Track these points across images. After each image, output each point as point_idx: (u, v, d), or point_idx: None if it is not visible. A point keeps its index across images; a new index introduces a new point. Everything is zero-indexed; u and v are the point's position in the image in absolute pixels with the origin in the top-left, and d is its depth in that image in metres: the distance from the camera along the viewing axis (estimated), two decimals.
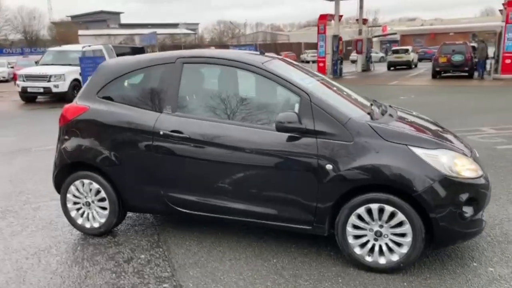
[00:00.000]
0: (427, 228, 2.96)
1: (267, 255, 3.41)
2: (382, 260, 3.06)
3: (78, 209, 3.86)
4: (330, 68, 22.89)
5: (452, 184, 2.90)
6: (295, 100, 3.25)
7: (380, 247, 3.06)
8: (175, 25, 79.64)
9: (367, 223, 3.05)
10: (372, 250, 3.08)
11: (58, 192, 3.97)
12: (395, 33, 43.60)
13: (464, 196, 2.93)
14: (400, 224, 2.97)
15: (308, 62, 46.88)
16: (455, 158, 3.00)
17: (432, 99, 13.17)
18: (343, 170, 3.00)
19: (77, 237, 3.86)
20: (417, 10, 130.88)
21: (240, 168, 3.30)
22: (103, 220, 3.78)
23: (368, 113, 3.31)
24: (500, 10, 24.79)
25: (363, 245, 3.10)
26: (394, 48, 31.52)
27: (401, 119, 3.50)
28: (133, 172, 3.59)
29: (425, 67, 29.07)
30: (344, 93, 3.80)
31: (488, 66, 20.08)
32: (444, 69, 20.46)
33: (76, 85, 14.79)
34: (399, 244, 3.01)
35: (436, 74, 20.69)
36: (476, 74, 20.01)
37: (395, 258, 3.03)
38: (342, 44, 25.02)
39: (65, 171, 3.84)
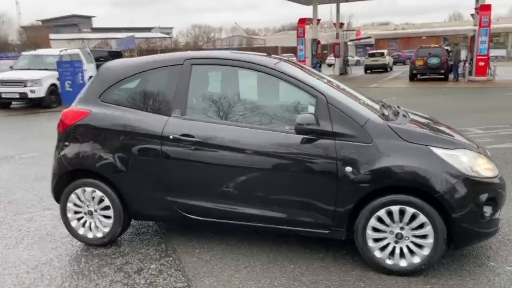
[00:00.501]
0: (448, 229, 2.94)
1: (283, 261, 3.32)
2: (403, 263, 3.02)
3: (79, 219, 3.67)
4: None
5: (473, 184, 2.89)
6: (310, 101, 3.18)
7: (401, 249, 3.02)
8: (149, 29, 78.66)
9: (387, 225, 3.01)
10: (392, 253, 3.04)
11: (57, 201, 3.77)
12: (369, 37, 44.41)
13: (484, 196, 2.92)
14: (421, 225, 2.94)
15: None
16: (475, 157, 3.00)
17: (414, 101, 13.38)
18: (363, 172, 2.95)
19: (78, 248, 3.67)
20: (388, 15, 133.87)
21: (255, 172, 3.20)
22: (107, 230, 3.61)
23: (382, 114, 3.28)
24: (472, 15, 25.60)
25: (383, 248, 3.05)
26: (370, 51, 32.06)
27: (414, 120, 3.48)
28: (141, 178, 3.43)
29: (401, 70, 29.70)
30: (353, 94, 3.76)
31: (460, 69, 20.66)
32: (421, 72, 20.91)
33: (53, 90, 14.33)
34: (420, 246, 2.98)
35: (413, 77, 21.13)
36: (451, 76, 20.54)
37: (416, 260, 2.99)
38: (320, 47, 25.24)
39: (66, 179, 3.65)
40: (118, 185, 3.48)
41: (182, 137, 3.27)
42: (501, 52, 38.05)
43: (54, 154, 3.76)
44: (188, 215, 3.41)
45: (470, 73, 20.04)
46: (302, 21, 22.69)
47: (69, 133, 3.61)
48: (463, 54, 21.47)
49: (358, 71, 30.21)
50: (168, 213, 3.48)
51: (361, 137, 2.99)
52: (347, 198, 3.01)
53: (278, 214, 3.20)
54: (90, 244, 3.68)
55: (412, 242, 2.99)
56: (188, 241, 3.69)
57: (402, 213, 2.95)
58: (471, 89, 16.58)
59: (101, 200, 3.57)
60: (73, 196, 3.62)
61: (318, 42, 24.41)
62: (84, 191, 3.59)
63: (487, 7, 19.05)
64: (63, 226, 4.03)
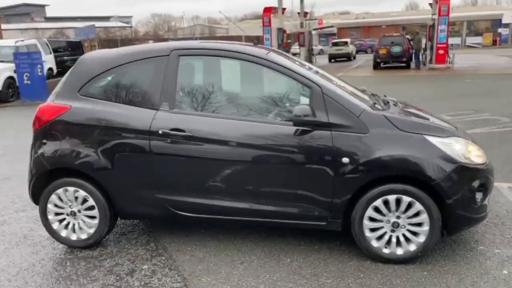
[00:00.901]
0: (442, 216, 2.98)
1: (279, 254, 3.28)
2: (399, 251, 3.05)
3: (61, 221, 3.47)
4: None
5: (466, 171, 2.95)
6: (304, 92, 3.13)
7: (397, 238, 3.05)
8: (107, 18, 76.00)
9: (383, 215, 3.02)
10: (388, 241, 3.06)
11: (36, 203, 3.55)
12: (332, 26, 44.90)
13: (476, 183, 2.99)
14: (417, 214, 2.97)
15: None
16: (467, 145, 3.05)
17: (381, 90, 13.59)
18: (360, 162, 2.93)
19: (61, 251, 3.47)
20: (348, 4, 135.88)
21: (249, 165, 3.12)
22: (92, 231, 3.43)
23: (374, 104, 3.28)
24: (430, 4, 26.36)
25: (379, 238, 3.07)
26: (333, 41, 32.41)
27: (406, 109, 3.51)
28: (128, 175, 3.28)
29: (363, 59, 30.24)
30: (342, 85, 3.73)
31: (421, 57, 21.28)
32: (384, 60, 21.37)
33: (10, 83, 13.57)
34: (416, 234, 3.01)
35: (377, 65, 21.56)
36: (413, 64, 21.11)
37: (412, 248, 3.03)
38: (285, 37, 25.23)
39: (44, 179, 3.43)
40: (103, 183, 3.31)
41: (172, 132, 3.14)
42: (456, 40, 39.55)
43: (30, 153, 3.52)
44: (179, 212, 3.30)
45: (430, 61, 20.69)
46: (268, 10, 22.54)
47: (47, 130, 3.38)
48: (423, 43, 22.12)
49: (323, 60, 30.49)
50: (158, 211, 3.35)
51: (357, 128, 2.97)
52: (344, 189, 3.00)
53: (274, 208, 3.15)
54: (74, 247, 3.49)
55: (408, 230, 3.02)
56: (178, 239, 3.58)
57: (398, 202, 2.97)
58: (433, 77, 17.11)
59: (85, 200, 3.39)
60: (53, 196, 3.42)
61: (284, 31, 24.37)
62: (66, 191, 3.39)
63: None
64: (42, 229, 3.83)
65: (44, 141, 3.39)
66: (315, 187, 3.05)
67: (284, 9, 25.18)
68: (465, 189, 2.95)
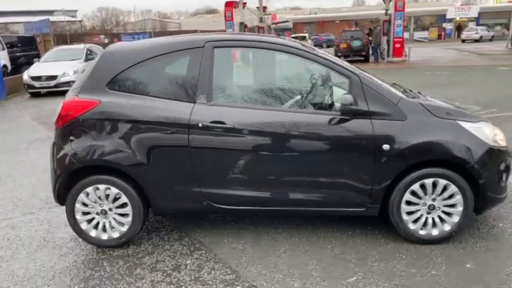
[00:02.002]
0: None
1: (317, 242, 3.35)
2: (434, 232, 3.21)
3: (89, 220, 3.34)
4: None
5: (495, 153, 3.15)
6: (341, 81, 3.20)
7: (433, 219, 3.21)
8: (50, 12, 72.26)
9: (420, 198, 3.17)
10: (424, 223, 3.22)
11: (61, 203, 3.40)
12: (287, 21, 45.47)
13: (502, 164, 3.21)
14: (452, 195, 3.14)
15: None
16: (493, 129, 3.27)
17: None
18: (400, 149, 3.06)
19: (92, 251, 3.35)
20: (300, 0, 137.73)
21: (290, 155, 3.16)
22: (124, 229, 3.33)
23: (404, 91, 3.41)
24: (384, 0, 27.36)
25: (416, 220, 3.22)
26: (292, 35, 32.85)
27: (429, 98, 3.67)
28: (165, 170, 3.21)
29: None
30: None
31: (378, 51, 22.09)
32: (344, 54, 21.93)
33: None
34: (450, 214, 3.19)
35: None
36: (372, 58, 21.88)
37: (447, 228, 3.20)
38: (247, 31, 25.25)
39: (73, 178, 3.28)
40: (138, 179, 3.23)
41: (213, 124, 3.11)
42: (405, 35, 41.33)
43: (52, 152, 3.36)
44: (217, 205, 3.28)
45: (388, 55, 21.53)
46: (230, 4, 22.46)
47: (74, 126, 3.23)
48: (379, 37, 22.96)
49: None
50: (195, 205, 3.31)
51: (396, 115, 3.09)
52: (384, 175, 3.11)
53: (317, 196, 3.21)
54: (104, 246, 3.38)
55: (443, 211, 3.19)
56: (210, 233, 3.56)
57: (434, 185, 3.13)
58: (393, 69, 17.83)
59: (116, 198, 3.29)
60: (82, 195, 3.28)
61: (246, 26, 24.38)
62: (97, 189, 3.26)
63: None
64: (60, 230, 3.71)
65: (72, 138, 3.24)
66: (356, 174, 3.14)
67: (244, 3, 25.15)
68: (494, 171, 3.16)
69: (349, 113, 3.03)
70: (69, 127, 3.25)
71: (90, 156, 3.20)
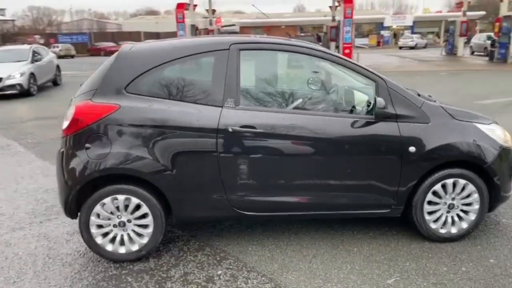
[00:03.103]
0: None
1: (341, 245, 3.36)
2: (453, 230, 3.35)
3: (105, 234, 3.11)
4: None
5: (505, 152, 3.35)
6: (367, 85, 3.24)
7: (452, 218, 3.34)
8: None
9: (440, 198, 3.29)
10: (444, 222, 3.34)
11: (71, 217, 3.15)
12: (234, 25, 45.49)
13: (510, 163, 3.42)
14: (469, 194, 3.29)
15: None
16: (504, 130, 3.47)
17: None
18: (425, 151, 3.16)
19: (108, 267, 3.11)
20: (241, 4, 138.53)
21: (319, 159, 3.15)
22: (144, 241, 3.14)
23: (418, 95, 3.53)
24: (330, 7, 28.35)
25: (437, 220, 3.33)
26: None
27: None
28: (191, 177, 3.07)
29: None
30: None
31: None
32: None
33: None
34: (467, 213, 3.34)
35: None
36: None
37: (464, 226, 3.35)
38: (199, 33, 24.97)
39: (88, 189, 3.04)
40: (163, 188, 3.05)
41: (243, 129, 3.02)
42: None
43: (60, 162, 3.09)
44: (244, 212, 3.19)
45: None
46: (181, 6, 22.03)
47: (91, 132, 2.99)
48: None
49: None
50: (220, 213, 3.20)
51: (420, 118, 3.19)
52: (410, 176, 3.20)
53: (346, 200, 3.22)
54: (122, 261, 3.16)
55: (461, 210, 3.33)
56: (230, 240, 3.45)
57: (454, 185, 3.26)
58: None
59: (136, 208, 3.09)
60: (98, 207, 3.05)
61: (196, 28, 24.10)
62: (115, 199, 3.05)
63: (350, 0, 21.31)
64: (62, 246, 3.48)
65: (88, 145, 2.99)
66: (384, 176, 3.20)
67: (195, 5, 24.88)
68: (505, 169, 3.36)
69: (382, 116, 3.08)
70: (84, 133, 3.00)
71: (110, 165, 2.98)
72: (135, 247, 3.14)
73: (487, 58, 24.32)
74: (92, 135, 2.99)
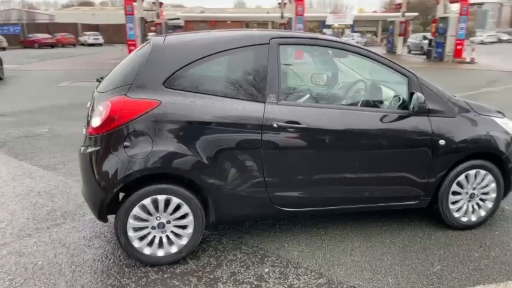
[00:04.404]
0: None
1: (373, 236, 3.44)
2: (473, 218, 3.56)
3: (142, 237, 2.94)
4: None
5: None
6: (400, 81, 3.33)
7: (472, 206, 3.55)
8: None
9: (463, 188, 3.48)
10: (465, 211, 3.54)
11: (104, 220, 2.94)
12: (179, 18, 44.49)
13: None
14: (488, 184, 3.51)
15: (93, 45, 43.26)
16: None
17: None
18: (453, 143, 3.32)
19: (146, 272, 2.94)
20: None
21: (357, 153, 3.20)
22: (183, 242, 3.01)
23: None
24: (279, 3, 28.76)
25: (459, 209, 3.52)
26: None
27: None
28: (235, 174, 2.98)
29: None
30: None
31: None
32: None
33: None
34: (484, 201, 3.56)
35: None
36: None
37: (483, 213, 3.57)
38: (147, 26, 24.16)
39: (126, 190, 2.85)
40: (206, 186, 2.94)
41: (288, 124, 2.99)
42: None
43: (91, 162, 2.87)
44: (283, 209, 3.17)
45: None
46: None
47: (129, 130, 2.80)
48: None
49: None
50: (261, 210, 3.16)
51: (448, 112, 3.34)
52: (439, 168, 3.35)
53: (378, 193, 3.30)
54: (160, 264, 3.00)
55: (480, 199, 3.55)
56: (263, 238, 3.41)
57: (475, 176, 3.47)
58: None
59: (176, 208, 2.95)
60: (137, 209, 2.87)
61: (145, 21, 23.28)
62: (155, 200, 2.89)
63: None
64: (84, 252, 3.24)
65: (127, 143, 2.80)
66: (416, 169, 3.32)
67: None
68: None
69: (422, 110, 3.18)
70: (121, 131, 2.80)
71: (152, 163, 2.81)
72: (174, 249, 3.00)
73: (424, 57, 25.99)
74: (131, 132, 2.81)
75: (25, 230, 3.56)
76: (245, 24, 45.85)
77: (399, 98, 3.33)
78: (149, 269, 2.98)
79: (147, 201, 2.87)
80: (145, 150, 2.81)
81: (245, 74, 3.07)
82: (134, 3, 21.35)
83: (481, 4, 78.44)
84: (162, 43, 3.03)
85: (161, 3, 28.88)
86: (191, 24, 46.01)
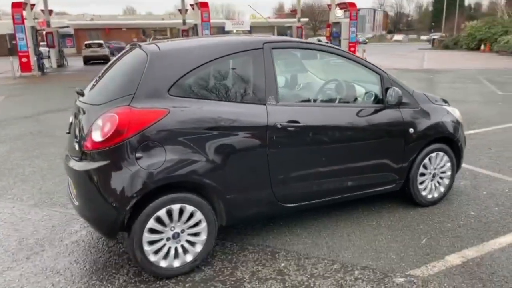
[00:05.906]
0: None
1: (361, 221, 3.75)
2: (436, 194, 4.07)
3: (157, 251, 2.86)
4: (35, 64, 20.03)
5: (461, 127, 4.21)
6: (374, 79, 3.68)
7: (434, 185, 4.06)
8: None
9: (427, 169, 3.97)
10: (430, 189, 4.04)
11: (113, 238, 2.80)
12: (68, 26, 41.50)
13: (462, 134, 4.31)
14: (445, 164, 4.06)
15: None
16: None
17: None
18: (420, 131, 3.78)
19: (164, 285, 2.86)
20: (62, 5, 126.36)
21: (349, 146, 3.48)
22: (198, 249, 2.99)
23: None
24: (180, 10, 28.60)
25: (425, 188, 4.00)
26: (87, 42, 30.31)
27: None
28: (244, 176, 3.06)
29: None
30: None
31: None
32: None
33: None
34: (442, 179, 4.10)
35: None
36: None
37: (442, 189, 4.11)
38: (38, 35, 22.21)
39: (141, 202, 2.75)
40: (218, 191, 2.96)
41: (289, 124, 3.14)
42: None
43: (97, 180, 2.72)
44: (285, 205, 3.32)
45: None
46: (18, 5, 19.08)
47: (140, 141, 2.71)
48: None
49: (76, 63, 28.29)
50: (266, 209, 3.28)
51: (413, 104, 3.79)
52: (410, 154, 3.78)
53: (364, 181, 3.62)
54: (175, 275, 2.94)
55: (439, 177, 4.07)
56: (264, 236, 3.51)
57: (436, 158, 3.98)
58: None
59: (190, 216, 2.92)
60: (152, 221, 2.79)
61: (37, 31, 21.38)
62: (170, 210, 2.83)
63: (206, 4, 21.92)
64: (85, 276, 3.02)
65: (139, 155, 2.71)
66: (393, 155, 3.70)
67: (33, 5, 22.04)
68: (463, 140, 4.22)
69: (398, 104, 3.56)
70: (132, 143, 2.70)
71: (167, 173, 2.76)
72: (189, 258, 2.96)
73: None
74: (143, 143, 2.72)
75: (1, 264, 3.19)
76: (142, 30, 44.58)
77: (372, 94, 3.70)
78: (167, 281, 2.90)
79: (162, 212, 2.80)
80: (158, 160, 2.74)
81: (245, 77, 3.16)
82: (23, 11, 19.51)
83: (358, 10, 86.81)
84: (158, 51, 2.98)
85: (50, 11, 26.76)
86: (82, 32, 43.39)
